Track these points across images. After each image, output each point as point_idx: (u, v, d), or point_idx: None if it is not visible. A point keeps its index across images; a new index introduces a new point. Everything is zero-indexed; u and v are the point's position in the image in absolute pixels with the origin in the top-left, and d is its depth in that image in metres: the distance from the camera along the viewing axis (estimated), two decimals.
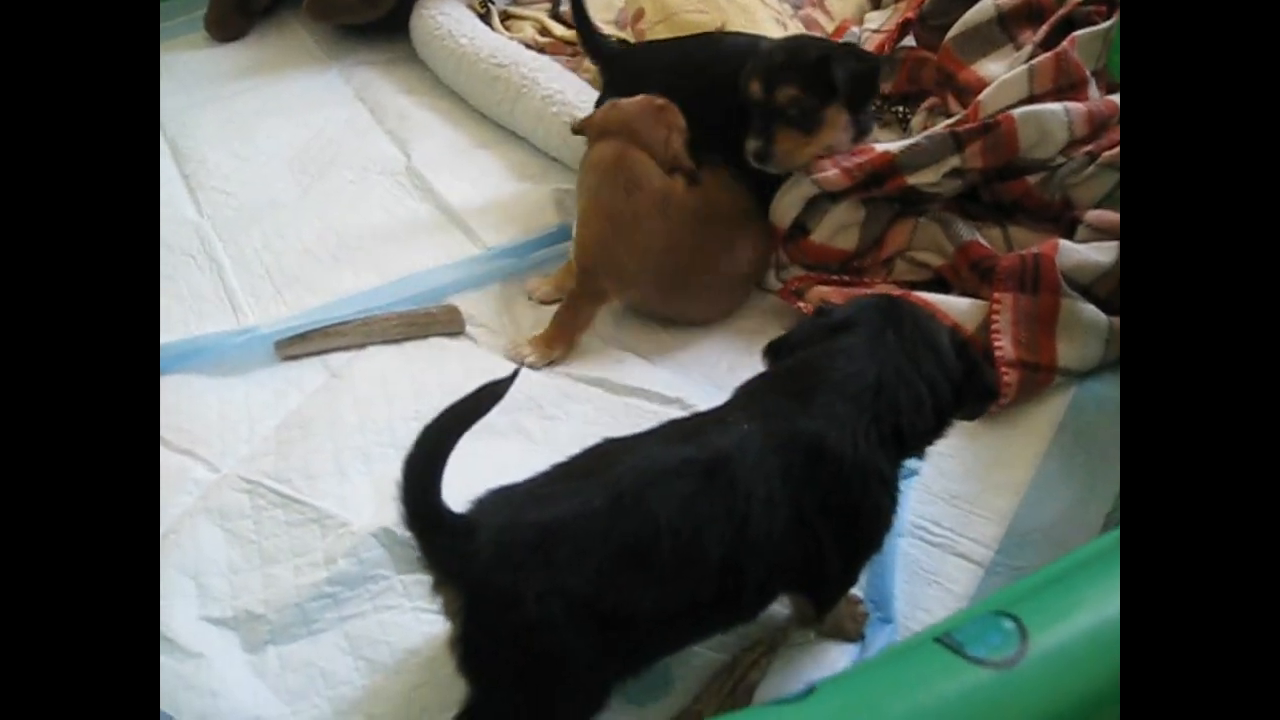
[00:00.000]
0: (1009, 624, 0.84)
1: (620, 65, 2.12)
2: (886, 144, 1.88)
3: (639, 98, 1.87)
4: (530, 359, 1.77)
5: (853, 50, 1.89)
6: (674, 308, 1.88)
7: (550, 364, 1.79)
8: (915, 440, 1.23)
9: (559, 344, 1.80)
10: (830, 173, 1.84)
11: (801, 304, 1.81)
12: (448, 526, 1.06)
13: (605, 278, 1.80)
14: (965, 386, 1.26)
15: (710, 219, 1.83)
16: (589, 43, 2.17)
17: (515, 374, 1.11)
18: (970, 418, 1.35)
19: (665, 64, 2.03)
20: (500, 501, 1.12)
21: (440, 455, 1.06)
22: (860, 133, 1.91)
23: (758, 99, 1.82)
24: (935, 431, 1.26)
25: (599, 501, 1.08)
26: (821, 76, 1.78)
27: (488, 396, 1.09)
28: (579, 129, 1.90)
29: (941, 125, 1.92)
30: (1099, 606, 0.87)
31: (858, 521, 1.19)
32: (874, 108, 1.99)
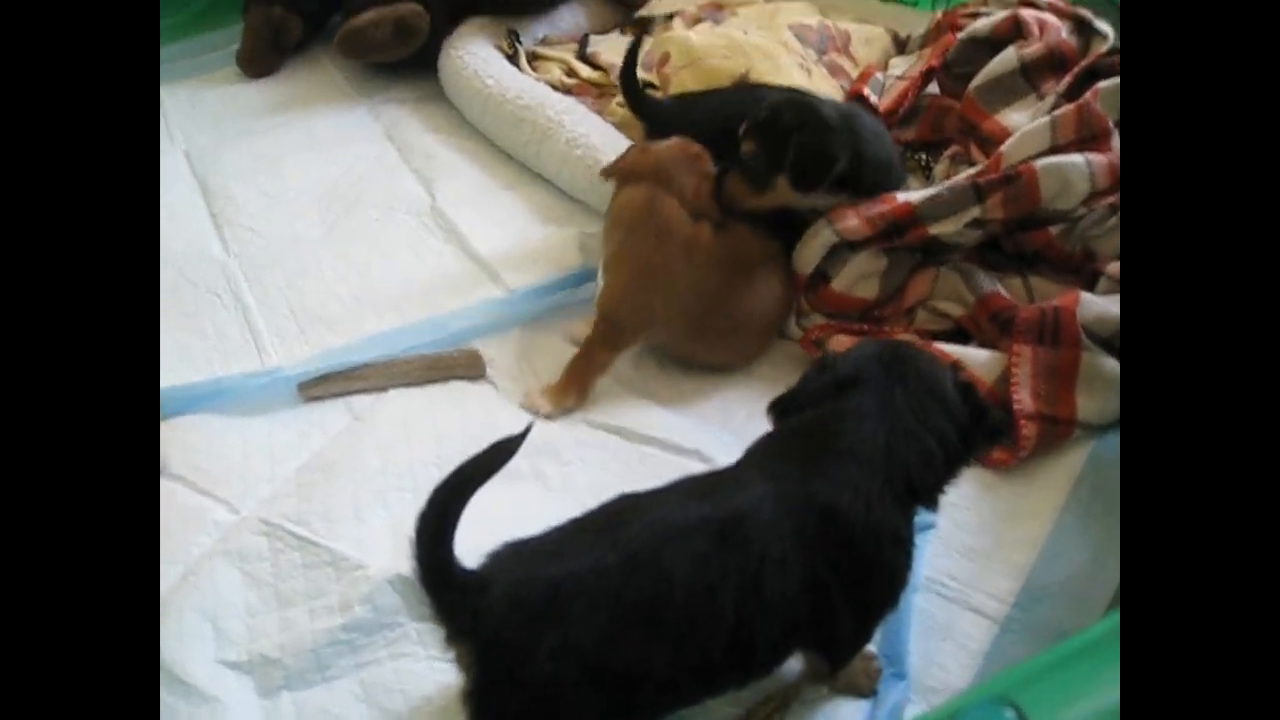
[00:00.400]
0: (1010, 714, 0.84)
1: (665, 120, 2.15)
2: (907, 194, 1.88)
3: (670, 141, 1.89)
4: (545, 410, 1.78)
5: (829, 134, 1.83)
6: (699, 353, 1.89)
7: (565, 412, 1.79)
8: (927, 493, 1.24)
9: (573, 392, 1.80)
10: (851, 222, 1.84)
11: (822, 353, 1.81)
12: (460, 583, 1.07)
13: (630, 325, 1.81)
14: (973, 430, 1.27)
15: (736, 265, 1.84)
16: (634, 102, 2.21)
17: (527, 430, 1.13)
18: (982, 455, 1.34)
19: (703, 116, 2.05)
20: (513, 556, 1.12)
21: (453, 513, 1.08)
22: (855, 194, 1.89)
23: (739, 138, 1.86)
24: (947, 480, 1.27)
25: (612, 558, 1.09)
26: (780, 145, 1.80)
27: (500, 454, 1.10)
28: (610, 173, 1.91)
29: (963, 175, 1.92)
30: (1100, 695, 0.88)
31: (871, 583, 1.20)
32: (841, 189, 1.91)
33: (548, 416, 1.78)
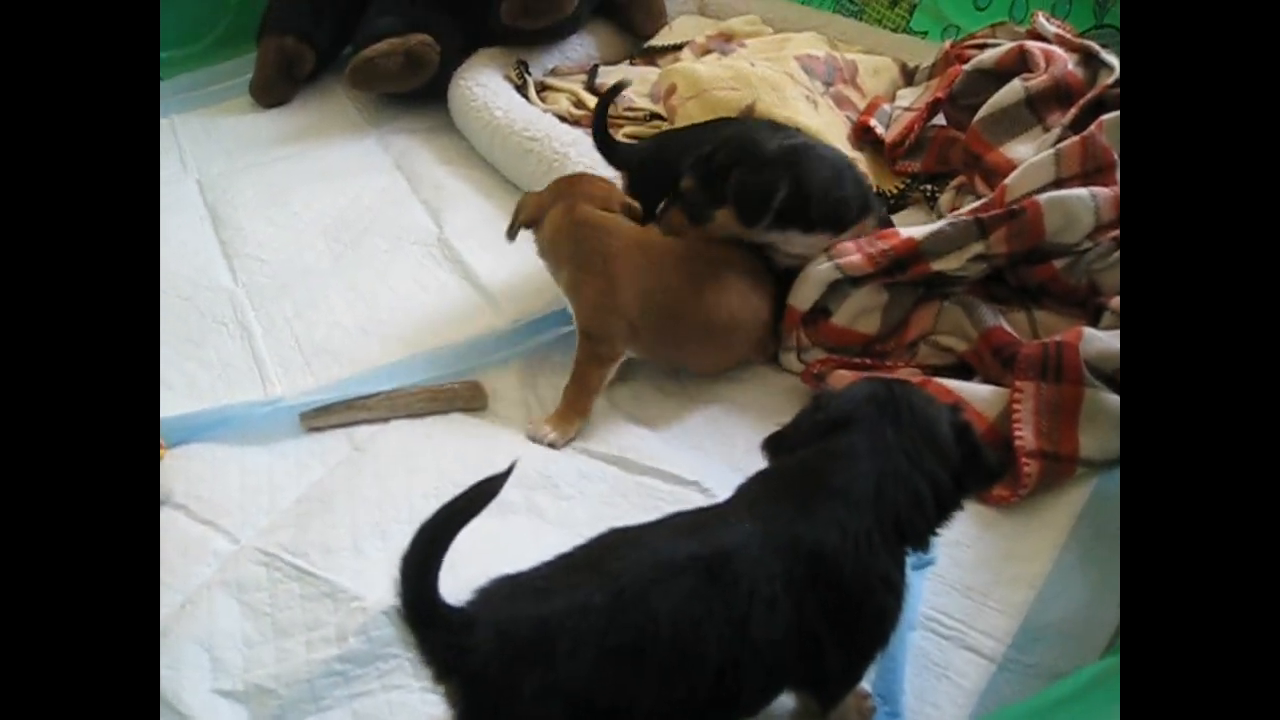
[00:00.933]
0: None
1: (638, 162, 2.18)
2: (910, 229, 1.88)
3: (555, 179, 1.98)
4: (551, 437, 1.78)
5: (767, 170, 1.83)
6: (673, 354, 1.92)
7: (570, 440, 1.80)
8: (916, 536, 1.23)
9: (575, 416, 1.81)
10: (853, 257, 1.84)
11: (823, 387, 1.81)
12: (445, 621, 1.07)
13: (608, 334, 1.82)
14: (966, 472, 1.26)
15: (698, 260, 1.86)
16: (606, 150, 2.21)
17: (510, 469, 1.12)
18: (979, 496, 1.32)
19: (677, 154, 2.01)
20: (500, 593, 1.12)
21: (437, 551, 1.07)
22: (806, 228, 1.89)
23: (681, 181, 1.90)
24: (938, 523, 1.26)
25: (599, 597, 1.09)
26: (718, 182, 1.83)
27: (482, 494, 1.10)
28: (514, 229, 1.94)
29: (966, 209, 1.92)
30: None
31: (861, 624, 1.19)
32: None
33: (551, 444, 1.78)
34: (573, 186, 1.92)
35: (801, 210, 1.84)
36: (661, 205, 1.92)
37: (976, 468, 1.27)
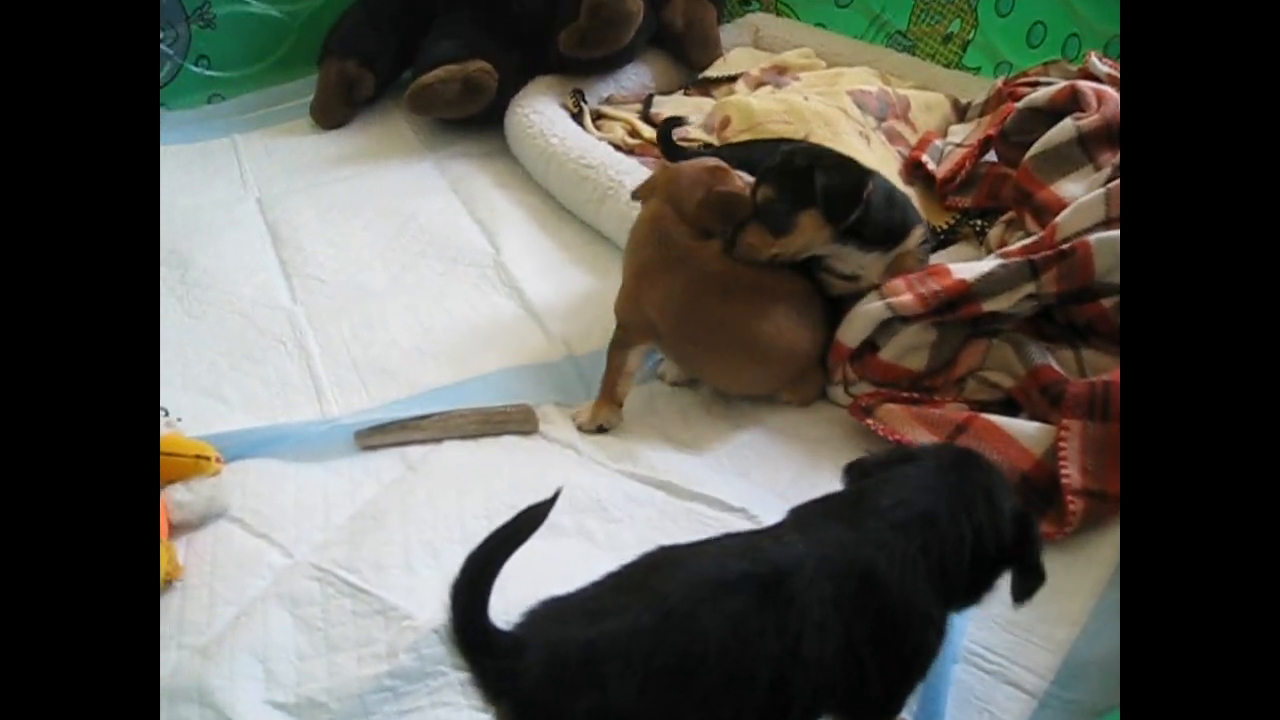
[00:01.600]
0: None
1: None
2: (962, 268, 1.90)
3: (693, 160, 2.00)
4: (579, 420, 1.91)
5: (847, 166, 1.89)
6: (701, 368, 1.98)
7: (600, 428, 1.91)
8: (952, 584, 1.23)
9: (604, 403, 1.92)
10: (904, 297, 1.86)
11: (870, 421, 1.83)
12: (495, 646, 1.09)
13: (631, 324, 1.91)
14: (1013, 553, 1.26)
15: (743, 286, 1.88)
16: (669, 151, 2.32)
17: (555, 496, 1.14)
18: (1017, 598, 1.28)
19: (742, 166, 2.06)
20: (549, 615, 1.14)
21: (486, 579, 1.09)
22: (862, 243, 1.90)
23: (755, 197, 1.89)
24: (968, 583, 1.26)
25: (648, 618, 1.10)
26: (801, 183, 1.82)
27: (529, 521, 1.12)
28: (636, 194, 2.02)
29: (1016, 247, 1.93)
30: None
31: (902, 652, 1.20)
32: (926, 238, 1.99)
33: (580, 427, 1.90)
34: (678, 190, 1.92)
35: (865, 220, 1.86)
36: (730, 233, 1.91)
37: (1023, 554, 1.26)
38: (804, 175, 1.82)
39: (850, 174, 1.86)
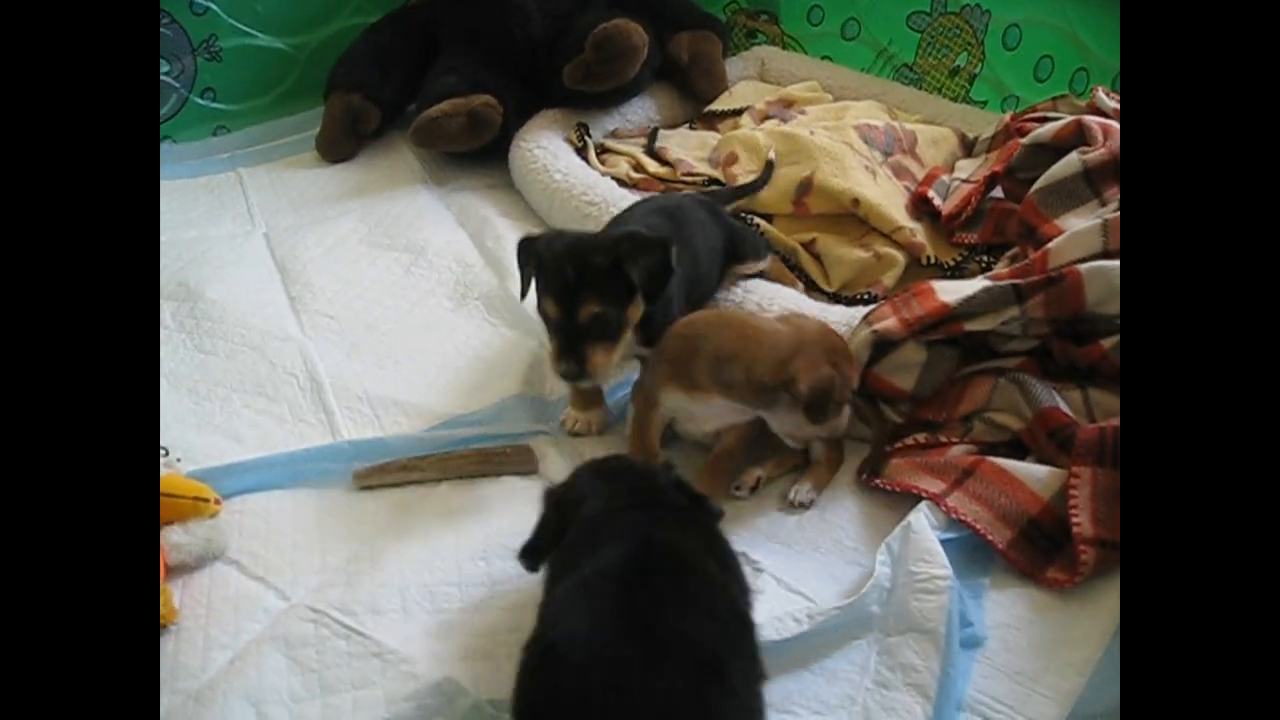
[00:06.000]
0: None
1: None
2: (945, 289, 1.90)
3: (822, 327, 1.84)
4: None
5: (636, 238, 1.79)
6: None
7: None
8: None
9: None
10: (888, 322, 1.87)
11: (878, 480, 1.80)
12: None
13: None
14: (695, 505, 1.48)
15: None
16: None
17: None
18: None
19: None
20: None
21: None
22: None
23: (558, 320, 1.78)
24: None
25: None
26: (616, 280, 1.74)
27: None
28: None
29: (1006, 270, 1.93)
30: None
31: None
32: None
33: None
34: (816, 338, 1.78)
35: (671, 270, 1.79)
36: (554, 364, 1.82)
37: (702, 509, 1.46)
38: (615, 272, 1.74)
39: (653, 249, 1.77)
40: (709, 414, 1.80)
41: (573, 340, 1.76)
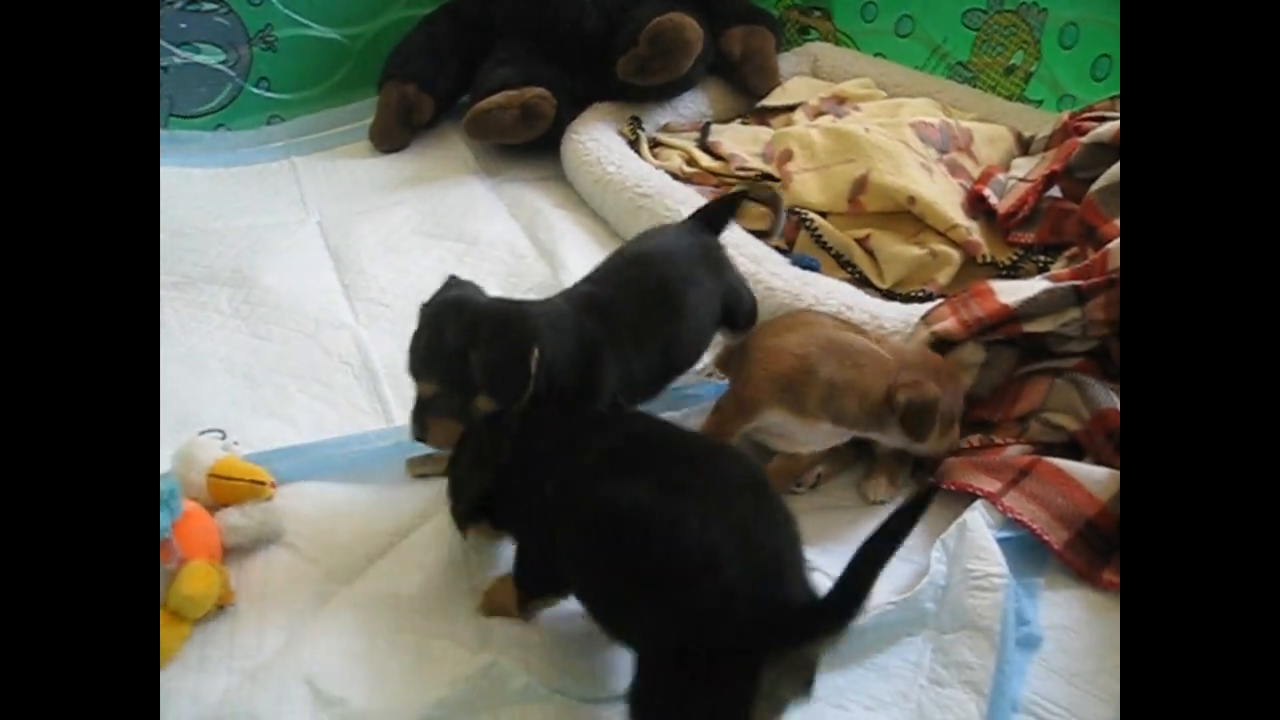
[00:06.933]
0: None
1: None
2: (1005, 290, 1.88)
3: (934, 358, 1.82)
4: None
5: (492, 328, 1.57)
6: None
7: None
8: None
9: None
10: (948, 323, 1.87)
11: (931, 479, 1.79)
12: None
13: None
14: None
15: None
16: None
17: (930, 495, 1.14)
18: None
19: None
20: None
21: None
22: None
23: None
24: None
25: None
26: (462, 368, 1.56)
27: (905, 521, 1.12)
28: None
29: (1066, 271, 1.92)
30: None
31: None
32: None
33: None
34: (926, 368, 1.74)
35: (524, 374, 1.55)
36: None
37: None
38: (458, 360, 1.57)
39: (511, 344, 1.55)
40: (811, 438, 1.74)
41: (419, 407, 1.66)
